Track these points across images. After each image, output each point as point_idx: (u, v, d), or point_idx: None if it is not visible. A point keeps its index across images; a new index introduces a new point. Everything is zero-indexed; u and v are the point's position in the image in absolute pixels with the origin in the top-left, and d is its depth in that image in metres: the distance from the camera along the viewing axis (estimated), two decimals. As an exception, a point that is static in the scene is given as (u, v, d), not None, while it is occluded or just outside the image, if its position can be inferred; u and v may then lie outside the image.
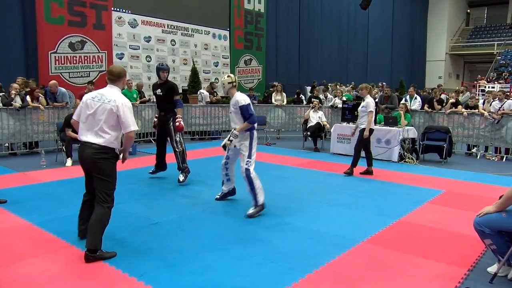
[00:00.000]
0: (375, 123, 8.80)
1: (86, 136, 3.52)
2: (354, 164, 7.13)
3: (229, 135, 4.80)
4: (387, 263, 3.47)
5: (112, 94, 3.57)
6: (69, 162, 7.59)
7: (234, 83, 4.95)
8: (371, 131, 7.07)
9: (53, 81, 9.41)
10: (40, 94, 9.02)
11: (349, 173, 7.06)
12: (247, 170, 4.65)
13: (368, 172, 7.13)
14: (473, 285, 3.09)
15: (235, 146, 4.84)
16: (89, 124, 3.53)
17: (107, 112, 3.49)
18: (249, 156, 4.72)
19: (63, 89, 9.64)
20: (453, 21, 31.57)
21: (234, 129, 4.77)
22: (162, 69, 6.26)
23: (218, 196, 5.37)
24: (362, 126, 7.02)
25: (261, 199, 4.69)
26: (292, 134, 12.75)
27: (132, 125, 3.59)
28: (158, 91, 6.26)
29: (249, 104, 4.74)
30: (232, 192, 5.39)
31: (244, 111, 4.68)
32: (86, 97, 3.65)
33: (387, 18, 26.68)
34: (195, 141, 11.63)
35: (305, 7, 20.89)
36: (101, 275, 3.16)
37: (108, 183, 3.53)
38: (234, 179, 5.31)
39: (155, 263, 3.38)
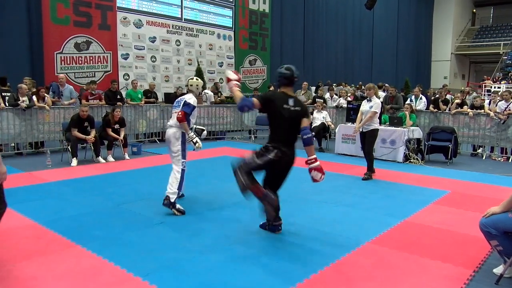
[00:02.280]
0: (380, 123, 8.77)
1: None
2: (370, 167, 6.81)
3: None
4: (393, 264, 3.46)
5: None
6: (74, 162, 7.62)
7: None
8: (376, 131, 6.91)
9: (62, 75, 9.66)
10: (45, 94, 9.08)
11: (367, 178, 6.75)
12: None
13: (367, 177, 6.83)
14: (479, 286, 3.07)
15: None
16: None
17: None
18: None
19: (71, 86, 9.82)
20: (459, 20, 31.40)
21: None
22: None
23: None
24: (371, 128, 6.73)
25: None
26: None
27: None
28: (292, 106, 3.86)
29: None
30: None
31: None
32: None
33: (392, 18, 26.59)
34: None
35: (310, 7, 20.86)
36: (106, 275, 3.17)
37: None
38: None
39: (160, 263, 3.38)
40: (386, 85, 13.13)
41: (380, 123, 8.68)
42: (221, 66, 16.37)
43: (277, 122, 3.84)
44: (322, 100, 11.23)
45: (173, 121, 4.97)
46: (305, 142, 3.91)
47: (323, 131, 10.00)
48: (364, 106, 6.90)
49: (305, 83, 13.02)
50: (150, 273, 3.19)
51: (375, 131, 6.79)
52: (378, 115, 6.78)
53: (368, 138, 6.79)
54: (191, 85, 5.10)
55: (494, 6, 33.85)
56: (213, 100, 12.09)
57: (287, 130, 3.86)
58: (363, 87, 16.73)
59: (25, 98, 8.52)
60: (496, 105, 9.40)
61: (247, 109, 3.88)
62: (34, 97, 8.77)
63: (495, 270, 3.29)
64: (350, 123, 9.39)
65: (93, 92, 9.76)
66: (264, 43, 18.00)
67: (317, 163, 3.92)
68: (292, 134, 3.90)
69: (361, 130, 6.89)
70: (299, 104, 3.93)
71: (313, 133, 9.80)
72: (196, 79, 5.20)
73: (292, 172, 7.85)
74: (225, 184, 6.21)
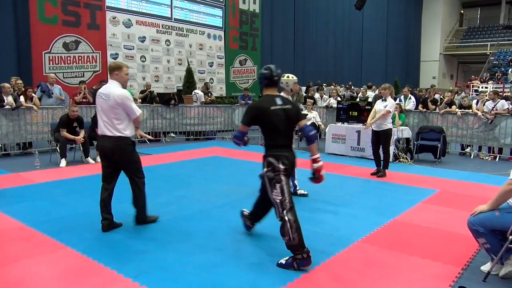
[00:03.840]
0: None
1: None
2: (386, 165, 7.05)
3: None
4: (383, 262, 3.48)
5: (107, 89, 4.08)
6: (63, 162, 7.54)
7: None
8: (390, 130, 7.00)
9: (52, 74, 9.71)
10: (33, 94, 8.98)
11: (383, 174, 6.98)
12: None
13: (381, 174, 7.00)
14: (467, 283, 3.11)
15: None
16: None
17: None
18: None
19: (59, 86, 9.81)
20: (447, 21, 31.78)
21: None
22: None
23: None
24: (385, 128, 6.84)
25: None
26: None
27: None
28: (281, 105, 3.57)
29: None
30: None
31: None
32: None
33: (382, 18, 26.79)
34: (190, 141, 11.61)
35: (300, 8, 20.92)
36: (96, 276, 3.14)
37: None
38: None
39: (151, 264, 3.37)
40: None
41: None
42: (211, 66, 16.33)
43: (271, 127, 3.49)
44: (312, 100, 11.27)
45: None
46: (310, 139, 3.58)
47: (314, 131, 10.01)
48: (379, 105, 7.00)
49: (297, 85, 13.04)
50: (140, 274, 3.18)
51: (389, 130, 6.98)
52: (391, 114, 6.96)
53: (383, 139, 6.93)
54: (281, 83, 4.91)
55: (481, 7, 34.33)
56: (203, 100, 12.06)
57: (284, 132, 3.52)
58: (353, 87, 16.84)
59: (10, 98, 8.40)
60: (484, 105, 9.52)
61: (241, 142, 3.70)
62: (22, 97, 8.66)
63: (482, 268, 3.34)
64: (340, 123, 9.45)
65: (80, 91, 9.72)
66: (254, 43, 18.00)
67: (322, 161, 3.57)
68: (289, 135, 3.60)
69: (374, 129, 7.01)
70: (289, 102, 3.66)
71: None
72: (287, 77, 5.07)
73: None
74: (215, 184, 6.20)
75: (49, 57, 11.48)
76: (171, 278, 3.14)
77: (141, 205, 4.22)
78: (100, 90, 4.13)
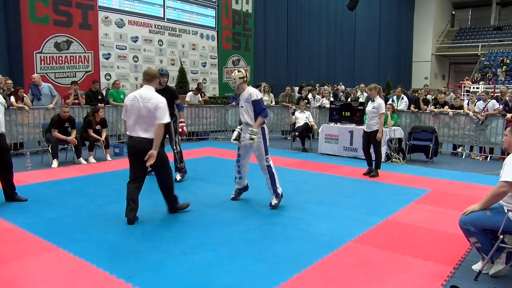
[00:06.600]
0: (363, 123, 8.87)
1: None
2: (378, 165, 7.08)
3: (249, 135, 4.89)
4: (375, 262, 3.50)
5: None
6: (55, 163, 7.48)
7: (245, 78, 5.06)
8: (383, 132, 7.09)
9: (36, 74, 9.56)
10: (24, 95, 8.89)
11: (375, 174, 7.01)
12: (269, 166, 5.00)
13: (374, 174, 7.03)
14: (459, 282, 3.13)
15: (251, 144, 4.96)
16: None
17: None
18: (266, 153, 5.00)
19: (49, 84, 9.69)
20: (439, 22, 32.03)
21: (250, 126, 4.93)
22: (162, 74, 5.93)
23: (233, 195, 5.45)
24: (376, 128, 6.85)
25: (280, 190, 5.04)
26: (280, 135, 12.77)
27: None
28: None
29: (261, 99, 4.96)
30: (246, 188, 5.51)
31: (256, 105, 4.89)
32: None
33: (374, 19, 26.93)
34: (183, 141, 11.56)
35: (293, 8, 20.96)
36: (88, 277, 3.12)
37: None
38: (246, 176, 5.42)
39: (143, 265, 3.35)
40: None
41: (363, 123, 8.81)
42: (204, 66, 16.30)
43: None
44: (306, 101, 11.30)
45: None
46: None
47: (307, 131, 10.05)
48: (368, 106, 7.02)
49: (288, 88, 13.10)
50: (132, 275, 3.16)
51: (375, 132, 6.98)
52: (384, 115, 7.02)
53: (374, 139, 6.94)
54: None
55: (472, 8, 34.63)
56: (196, 102, 12.00)
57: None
58: (342, 86, 16.91)
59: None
60: (475, 105, 9.59)
61: None
62: (12, 98, 8.58)
63: (474, 267, 3.37)
64: (333, 123, 9.47)
65: (71, 93, 9.66)
66: (247, 43, 17.99)
67: None
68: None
69: (365, 129, 7.10)
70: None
71: (297, 132, 9.87)
72: (239, 71, 5.15)
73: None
74: (208, 185, 6.20)
75: (40, 57, 11.38)
76: (164, 278, 3.13)
77: (172, 196, 4.71)
78: (135, 94, 4.39)
